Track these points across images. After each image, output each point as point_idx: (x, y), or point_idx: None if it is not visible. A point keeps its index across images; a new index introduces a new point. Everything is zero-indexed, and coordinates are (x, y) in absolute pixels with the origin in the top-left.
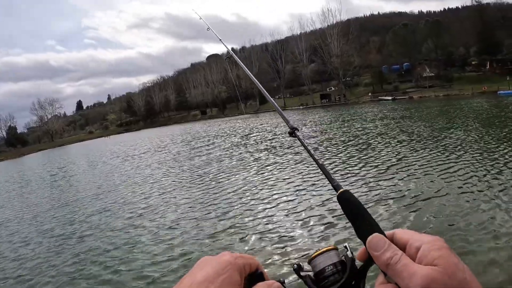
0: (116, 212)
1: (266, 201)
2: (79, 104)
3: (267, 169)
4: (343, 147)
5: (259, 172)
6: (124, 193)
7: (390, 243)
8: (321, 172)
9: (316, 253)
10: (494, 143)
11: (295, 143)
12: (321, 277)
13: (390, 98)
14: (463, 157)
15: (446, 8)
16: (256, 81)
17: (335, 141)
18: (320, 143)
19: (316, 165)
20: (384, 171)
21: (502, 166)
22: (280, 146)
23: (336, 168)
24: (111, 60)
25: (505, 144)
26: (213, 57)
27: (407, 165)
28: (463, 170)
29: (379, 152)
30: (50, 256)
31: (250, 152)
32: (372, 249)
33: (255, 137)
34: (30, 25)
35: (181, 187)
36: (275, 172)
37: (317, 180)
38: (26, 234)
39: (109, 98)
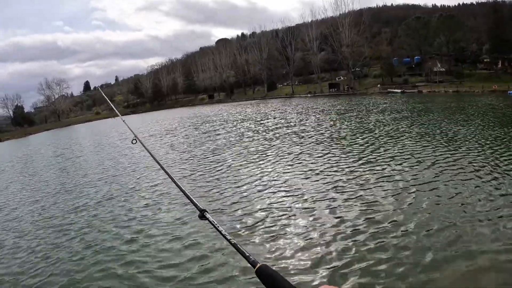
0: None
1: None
2: (87, 85)
3: None
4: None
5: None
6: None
7: None
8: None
9: None
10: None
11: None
12: None
13: (399, 90)
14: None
15: (461, 3)
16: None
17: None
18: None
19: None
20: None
21: None
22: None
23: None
24: (119, 42)
25: None
26: (222, 42)
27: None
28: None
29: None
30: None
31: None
32: None
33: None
34: (38, 5)
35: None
36: None
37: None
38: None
39: (116, 79)
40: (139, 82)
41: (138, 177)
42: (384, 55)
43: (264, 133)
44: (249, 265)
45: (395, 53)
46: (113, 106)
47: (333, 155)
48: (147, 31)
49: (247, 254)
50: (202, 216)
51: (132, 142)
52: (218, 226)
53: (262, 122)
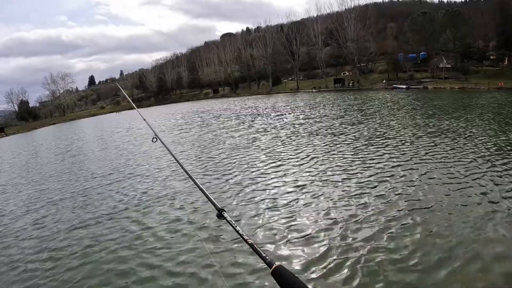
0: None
1: None
2: (91, 79)
3: None
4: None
5: None
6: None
7: None
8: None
9: None
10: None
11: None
12: None
13: (404, 86)
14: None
15: None
16: None
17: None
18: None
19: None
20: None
21: None
22: None
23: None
24: (123, 36)
25: None
26: (227, 36)
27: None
28: None
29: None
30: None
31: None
32: None
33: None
34: (41, 0)
35: None
36: None
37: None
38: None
39: (121, 74)
40: (143, 76)
41: (156, 176)
42: (389, 51)
43: (285, 130)
44: (265, 265)
45: (400, 48)
46: (132, 103)
47: (374, 155)
48: (151, 25)
49: (264, 255)
50: (220, 215)
51: (152, 141)
52: (236, 226)
53: (279, 116)
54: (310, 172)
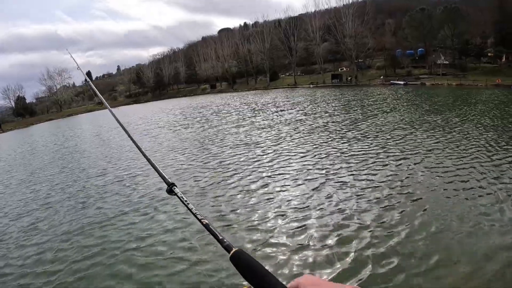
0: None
1: None
2: (88, 75)
3: None
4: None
5: None
6: None
7: None
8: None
9: None
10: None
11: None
12: None
13: (402, 82)
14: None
15: None
16: None
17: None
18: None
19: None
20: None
21: None
22: None
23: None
24: (120, 32)
25: None
26: (224, 31)
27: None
28: None
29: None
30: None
31: None
32: None
33: None
34: None
35: None
36: None
37: None
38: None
39: (118, 69)
40: (141, 71)
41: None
42: (387, 47)
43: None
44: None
45: (399, 44)
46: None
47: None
48: (149, 20)
49: (221, 237)
50: (170, 190)
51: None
52: (188, 204)
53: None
54: (319, 168)
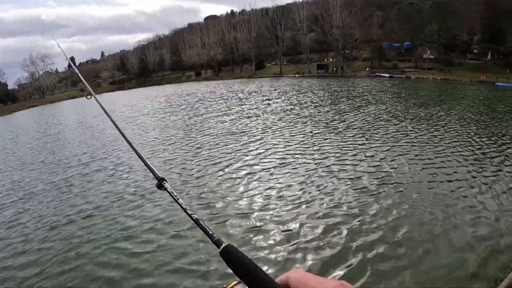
0: None
1: None
2: (72, 60)
3: None
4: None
5: None
6: None
7: None
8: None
9: None
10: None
11: None
12: None
13: (387, 75)
14: None
15: None
16: None
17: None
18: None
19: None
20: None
21: None
22: None
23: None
24: (105, 17)
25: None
26: (211, 18)
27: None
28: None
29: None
30: None
31: None
32: None
33: None
34: None
35: None
36: None
37: None
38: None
39: (102, 55)
40: (125, 58)
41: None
42: (374, 38)
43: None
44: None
45: (386, 36)
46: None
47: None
48: (134, 6)
49: (211, 233)
50: (160, 185)
51: (86, 97)
52: (178, 198)
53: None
54: (309, 158)
